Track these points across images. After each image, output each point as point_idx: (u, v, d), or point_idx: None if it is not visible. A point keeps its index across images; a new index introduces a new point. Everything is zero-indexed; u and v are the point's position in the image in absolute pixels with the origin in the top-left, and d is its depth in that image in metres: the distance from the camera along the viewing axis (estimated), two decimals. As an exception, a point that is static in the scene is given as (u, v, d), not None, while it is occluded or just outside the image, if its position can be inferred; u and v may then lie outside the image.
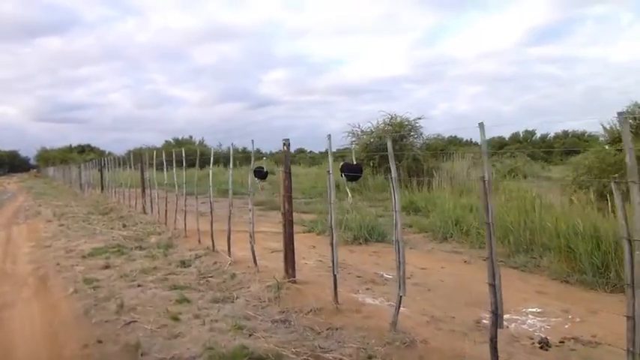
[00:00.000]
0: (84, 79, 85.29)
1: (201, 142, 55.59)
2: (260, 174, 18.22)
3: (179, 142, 56.00)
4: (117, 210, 13.17)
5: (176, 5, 77.67)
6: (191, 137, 60.74)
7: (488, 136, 3.21)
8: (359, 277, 5.74)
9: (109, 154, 59.87)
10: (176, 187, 10.10)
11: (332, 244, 4.67)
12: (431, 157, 17.98)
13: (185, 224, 8.75)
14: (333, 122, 70.32)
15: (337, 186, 18.59)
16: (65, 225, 10.51)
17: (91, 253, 7.29)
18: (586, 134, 44.64)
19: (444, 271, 5.93)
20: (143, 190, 12.12)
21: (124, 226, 10.34)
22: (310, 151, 51.95)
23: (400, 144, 18.22)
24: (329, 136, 4.92)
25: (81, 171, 25.17)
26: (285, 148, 5.37)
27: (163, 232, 9.21)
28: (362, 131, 19.38)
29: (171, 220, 10.14)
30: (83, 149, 66.92)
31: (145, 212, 11.96)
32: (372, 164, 17.84)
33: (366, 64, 76.31)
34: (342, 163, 15.52)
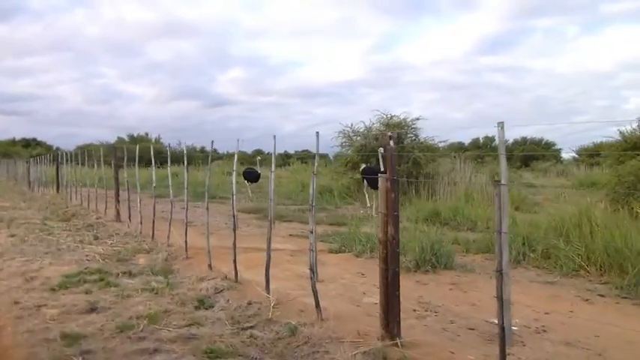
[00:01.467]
0: (28, 70, 79.76)
1: (157, 140, 53.10)
2: (251, 176, 16.22)
3: (134, 139, 53.17)
4: (81, 216, 10.92)
5: None
6: (147, 134, 58.03)
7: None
8: (471, 329, 4.02)
9: (57, 149, 55.89)
10: (153, 190, 8.21)
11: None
12: (432, 161, 16.59)
13: (186, 240, 6.77)
14: (289, 124, 69.30)
15: (330, 191, 16.98)
16: (18, 236, 8.27)
17: (62, 282, 5.23)
18: (543, 141, 45.22)
19: (580, 316, 4.30)
20: (117, 193, 9.96)
21: (96, 238, 8.22)
22: (268, 152, 50.83)
23: (399, 146, 16.75)
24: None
25: (30, 167, 22.29)
26: (390, 143, 3.62)
27: (153, 249, 7.18)
28: (353, 132, 17.75)
29: (156, 232, 8.13)
30: (28, 143, 62.40)
31: (119, 220, 9.81)
32: (368, 166, 16.23)
33: (323, 67, 75.92)
34: (362, 166, 13.74)
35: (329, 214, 12.53)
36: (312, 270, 4.17)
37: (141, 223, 8.38)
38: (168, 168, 8.47)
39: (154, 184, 8.56)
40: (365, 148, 16.40)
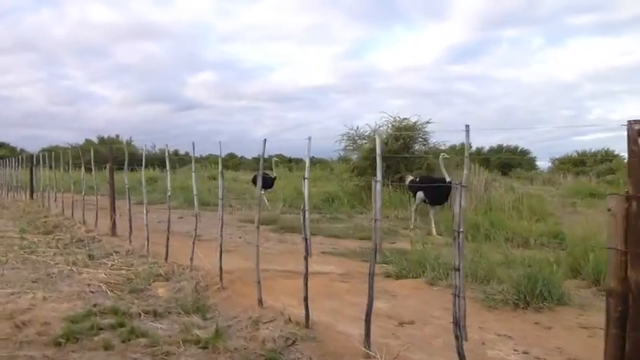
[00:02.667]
0: None
1: (129, 142, 50.99)
2: (266, 182, 14.61)
3: (104, 141, 50.92)
4: (66, 228, 9.31)
5: None
6: (118, 136, 55.86)
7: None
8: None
9: (22, 150, 52.89)
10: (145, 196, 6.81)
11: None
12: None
13: (221, 264, 5.36)
14: (261, 128, 68.06)
15: (337, 198, 15.64)
16: (-6, 256, 6.70)
17: (68, 331, 3.77)
18: (518, 149, 45.33)
19: None
20: (113, 202, 8.40)
21: (92, 258, 6.70)
22: (242, 156, 50.06)
23: (411, 151, 15.63)
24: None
25: (-3, 170, 20.23)
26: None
27: (171, 274, 5.74)
28: (359, 135, 16.53)
29: (159, 247, 6.72)
30: (-10, 145, 59.23)
31: (114, 234, 8.27)
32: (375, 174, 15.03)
33: (295, 72, 75.44)
34: (409, 178, 11.87)
35: (346, 225, 11.26)
36: (458, 325, 2.86)
37: (148, 238, 6.90)
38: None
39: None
40: (373, 151, 15.18)
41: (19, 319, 4.02)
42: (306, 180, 4.44)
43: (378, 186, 4.52)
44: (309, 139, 4.42)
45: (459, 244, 2.91)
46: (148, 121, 68.91)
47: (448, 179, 8.94)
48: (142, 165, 8.01)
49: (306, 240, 4.15)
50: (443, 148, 15.73)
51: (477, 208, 11.95)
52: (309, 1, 67.80)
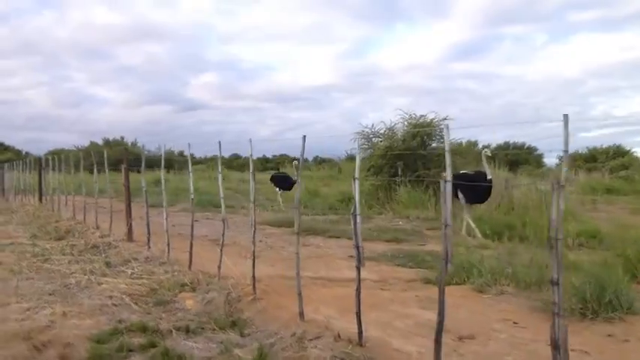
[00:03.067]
0: None
1: (134, 144, 51.07)
2: (282, 182, 14.20)
3: (109, 143, 50.81)
4: (79, 233, 8.92)
5: (100, 2, 71.47)
6: (122, 138, 55.87)
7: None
8: None
9: (27, 153, 52.71)
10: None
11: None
12: (466, 165, 15.03)
13: (254, 272, 4.94)
14: (264, 128, 68.13)
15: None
16: (6, 264, 6.31)
17: (95, 353, 3.37)
18: (525, 146, 44.88)
19: None
20: (129, 205, 7.99)
21: (109, 265, 6.30)
22: (246, 157, 49.60)
23: (429, 149, 15.17)
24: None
25: (4, 173, 19.88)
26: None
27: (197, 283, 5.33)
28: (374, 133, 16.08)
29: (179, 254, 6.33)
30: (-5, 148, 59.17)
31: (130, 239, 7.87)
32: (392, 173, 14.60)
33: (297, 72, 75.45)
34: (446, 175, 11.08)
35: (366, 226, 10.83)
36: (558, 349, 2.42)
37: (168, 244, 6.50)
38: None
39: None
40: (391, 149, 14.76)
41: (39, 340, 3.62)
42: (356, 181, 4.04)
43: (448, 187, 4.08)
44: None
45: (557, 253, 2.48)
46: (151, 122, 68.80)
47: (489, 176, 8.48)
48: (149, 167, 7.71)
49: (358, 248, 3.72)
50: (460, 145, 15.34)
51: (499, 207, 11.55)
52: (310, 0, 67.52)
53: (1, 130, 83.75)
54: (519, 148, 46.87)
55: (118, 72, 75.47)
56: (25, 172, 16.80)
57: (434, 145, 15.46)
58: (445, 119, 15.17)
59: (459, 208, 9.13)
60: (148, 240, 7.05)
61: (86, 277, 5.66)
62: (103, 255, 6.96)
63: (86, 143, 48.36)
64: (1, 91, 70.90)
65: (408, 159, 14.70)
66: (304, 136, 4.39)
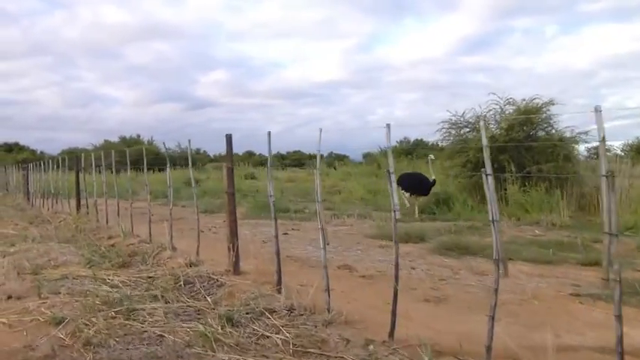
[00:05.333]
0: (6, 75, 75.20)
1: (150, 142, 49.50)
2: (418, 186, 11.50)
3: (126, 142, 49.18)
4: (147, 256, 6.51)
5: (109, 1, 70.33)
6: (139, 136, 54.62)
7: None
8: None
9: (42, 153, 51.04)
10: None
11: None
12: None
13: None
14: (273, 125, 67.16)
15: (448, 198, 12.54)
16: (74, 323, 3.94)
17: None
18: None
19: None
20: (234, 220, 5.46)
21: (232, 322, 3.91)
22: (260, 154, 48.49)
23: (533, 138, 12.66)
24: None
25: (29, 175, 17.68)
26: None
27: (277, 305, 2.89)
28: (465, 122, 13.59)
29: (320, 292, 3.95)
30: (11, 148, 57.77)
31: (236, 271, 5.44)
32: (495, 167, 12.12)
33: (306, 68, 73.84)
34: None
35: (490, 238, 8.36)
36: None
37: (328, 291, 4.07)
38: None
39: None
40: (495, 140, 12.26)
41: None
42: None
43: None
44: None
45: None
46: (161, 120, 67.23)
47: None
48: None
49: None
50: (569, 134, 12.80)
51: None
52: (318, -4, 65.31)
53: (15, 130, 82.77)
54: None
55: (128, 71, 74.15)
56: (54, 173, 14.50)
57: (539, 134, 12.99)
58: (552, 103, 12.70)
59: None
60: (279, 277, 4.61)
61: (211, 354, 3.27)
62: (209, 299, 4.56)
63: (98, 142, 46.83)
64: (14, 91, 69.70)
65: (512, 152, 12.23)
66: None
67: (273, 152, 4.64)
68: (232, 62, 76.34)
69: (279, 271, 4.56)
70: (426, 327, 3.59)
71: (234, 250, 5.13)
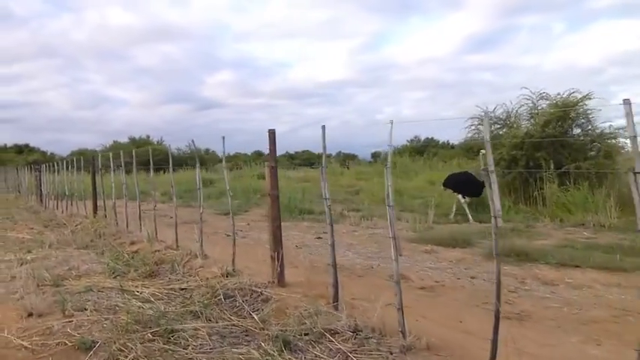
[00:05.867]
0: (15, 77, 75.55)
1: (159, 143, 49.49)
2: (469, 186, 10.80)
3: (135, 142, 49.04)
4: (176, 264, 5.97)
5: (116, 3, 70.36)
6: (149, 137, 54.60)
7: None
8: None
9: (52, 154, 50.96)
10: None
11: None
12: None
13: None
14: (279, 125, 66.72)
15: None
16: (105, 349, 3.39)
17: None
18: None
19: None
20: (278, 226, 4.80)
21: (288, 347, 3.35)
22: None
23: (569, 134, 12.00)
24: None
25: (41, 176, 17.26)
26: None
27: (338, 325, 2.29)
28: (497, 118, 12.96)
29: (391, 311, 3.38)
30: (21, 149, 57.87)
31: (281, 283, 4.87)
32: (530, 165, 11.48)
33: (311, 68, 73.31)
34: None
35: (539, 240, 7.75)
36: None
37: (402, 310, 3.48)
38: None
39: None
40: (529, 136, 11.62)
41: None
42: None
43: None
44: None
45: None
46: (168, 121, 67.19)
47: None
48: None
49: None
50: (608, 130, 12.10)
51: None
52: (324, -5, 64.85)
53: (24, 132, 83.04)
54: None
55: (135, 72, 74.15)
56: (68, 174, 14.03)
57: (575, 131, 12.32)
58: (588, 97, 12.00)
59: None
60: (336, 291, 4.04)
61: None
62: (256, 316, 4.00)
63: (107, 143, 46.80)
64: (23, 93, 69.86)
65: (548, 149, 11.59)
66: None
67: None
68: (238, 63, 76.16)
69: (335, 285, 3.99)
70: (529, 356, 3.00)
71: (278, 260, 4.56)
